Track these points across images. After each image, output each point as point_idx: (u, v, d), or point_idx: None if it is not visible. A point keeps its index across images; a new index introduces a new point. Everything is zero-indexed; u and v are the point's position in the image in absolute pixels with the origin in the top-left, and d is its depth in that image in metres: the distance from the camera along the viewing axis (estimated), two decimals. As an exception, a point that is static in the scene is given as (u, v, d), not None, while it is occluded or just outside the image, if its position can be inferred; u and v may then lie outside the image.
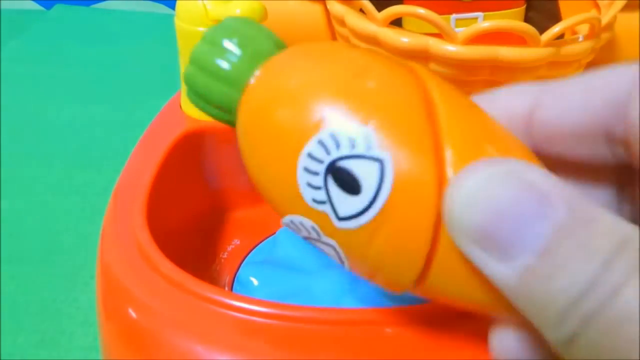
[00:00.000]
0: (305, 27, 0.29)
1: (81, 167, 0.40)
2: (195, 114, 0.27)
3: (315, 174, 0.13)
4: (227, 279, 0.25)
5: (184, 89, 0.27)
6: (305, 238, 0.14)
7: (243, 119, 0.15)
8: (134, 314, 0.19)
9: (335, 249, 0.14)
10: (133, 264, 0.20)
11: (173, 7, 0.26)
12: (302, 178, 0.13)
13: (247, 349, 0.17)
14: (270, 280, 0.23)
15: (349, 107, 0.13)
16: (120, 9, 0.67)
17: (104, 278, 0.21)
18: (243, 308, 0.17)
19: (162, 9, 0.66)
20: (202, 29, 0.24)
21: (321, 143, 0.13)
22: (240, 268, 0.25)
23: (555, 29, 0.22)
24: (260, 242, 0.26)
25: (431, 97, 0.13)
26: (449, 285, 0.13)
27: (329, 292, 0.23)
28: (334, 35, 0.29)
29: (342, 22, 0.26)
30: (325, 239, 0.13)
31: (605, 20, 0.23)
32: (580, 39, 0.23)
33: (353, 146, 0.12)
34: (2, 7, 0.66)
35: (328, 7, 0.27)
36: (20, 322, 0.29)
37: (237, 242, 0.27)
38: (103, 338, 0.20)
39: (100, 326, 0.20)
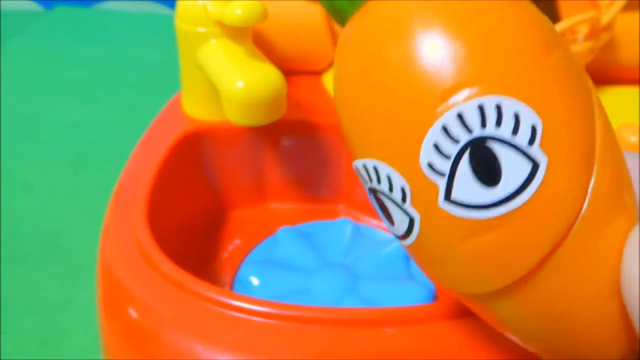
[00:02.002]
0: (305, 27, 0.29)
1: (81, 167, 0.40)
2: (195, 114, 0.27)
3: (455, 141, 0.11)
4: (227, 278, 0.25)
5: (184, 89, 0.27)
6: (373, 189, 0.13)
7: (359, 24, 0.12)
8: (134, 314, 0.19)
9: (411, 222, 0.12)
10: (133, 264, 0.20)
11: (173, 7, 0.26)
12: (433, 136, 0.11)
13: (247, 349, 0.17)
14: (270, 280, 0.23)
15: (531, 85, 0.11)
16: (120, 9, 0.67)
17: (104, 278, 0.21)
18: (243, 308, 0.17)
19: (162, 9, 0.66)
20: (202, 29, 0.24)
21: (481, 109, 0.11)
22: (240, 268, 0.25)
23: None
24: (260, 242, 0.26)
25: (592, 103, 0.12)
26: (537, 304, 0.11)
27: (329, 292, 0.23)
28: (334, 36, 0.29)
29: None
30: (408, 207, 0.12)
31: (605, 20, 0.23)
32: (580, 39, 0.23)
33: (515, 132, 0.11)
34: (2, 7, 0.66)
35: (328, 7, 0.27)
36: (20, 322, 0.29)
37: (237, 242, 0.27)
38: (103, 338, 0.20)
39: (101, 326, 0.20)
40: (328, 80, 0.30)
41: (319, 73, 0.30)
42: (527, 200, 0.11)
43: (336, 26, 0.27)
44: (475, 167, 0.11)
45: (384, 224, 0.13)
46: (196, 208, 0.27)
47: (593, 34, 0.23)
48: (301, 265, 0.24)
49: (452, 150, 0.11)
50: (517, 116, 0.11)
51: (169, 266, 0.19)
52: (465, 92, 0.11)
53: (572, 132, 0.11)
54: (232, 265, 0.25)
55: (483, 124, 0.11)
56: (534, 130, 0.11)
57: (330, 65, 0.30)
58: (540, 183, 0.11)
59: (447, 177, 0.11)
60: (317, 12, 0.28)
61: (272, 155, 0.28)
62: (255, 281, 0.23)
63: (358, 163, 0.13)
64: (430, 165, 0.11)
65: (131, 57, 0.55)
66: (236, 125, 0.23)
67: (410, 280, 0.24)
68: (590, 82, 0.12)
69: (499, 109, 0.10)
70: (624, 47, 0.27)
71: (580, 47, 0.23)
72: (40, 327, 0.29)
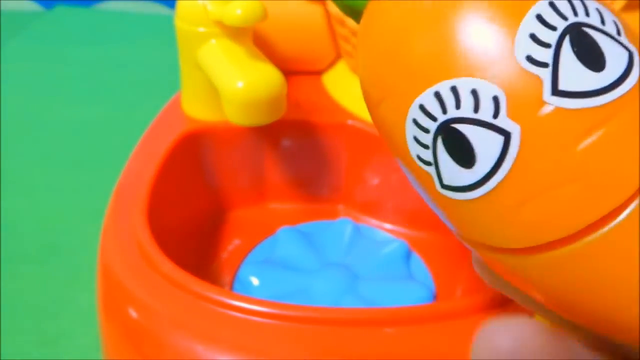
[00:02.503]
0: (305, 27, 0.29)
1: (81, 167, 0.40)
2: (195, 114, 0.27)
3: (552, 27, 0.11)
4: (227, 279, 0.25)
5: (184, 89, 0.27)
6: (450, 120, 0.12)
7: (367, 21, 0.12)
8: (134, 314, 0.19)
9: (506, 143, 0.11)
10: (133, 264, 0.20)
11: (173, 7, 0.26)
12: (528, 26, 0.11)
13: (247, 349, 0.17)
14: (270, 280, 0.23)
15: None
16: (120, 9, 0.67)
17: (104, 278, 0.21)
18: (243, 308, 0.17)
19: (162, 9, 0.66)
20: (202, 29, 0.24)
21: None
22: (240, 268, 0.25)
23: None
24: (260, 242, 0.26)
25: None
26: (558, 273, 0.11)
27: (329, 292, 0.23)
28: (334, 36, 0.29)
29: (342, 23, 0.26)
30: (503, 120, 0.11)
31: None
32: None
33: (603, 22, 0.11)
34: (2, 7, 0.66)
35: (328, 7, 0.27)
36: (20, 322, 0.29)
37: (237, 242, 0.27)
38: (103, 338, 0.20)
39: (101, 326, 0.20)
40: (328, 80, 0.30)
41: (319, 73, 0.30)
42: (633, 87, 0.10)
43: (336, 26, 0.27)
44: (579, 52, 0.10)
45: (443, 178, 0.12)
46: (196, 208, 0.27)
47: (593, 34, 0.23)
48: (301, 265, 0.24)
49: (552, 37, 0.10)
50: (600, 11, 0.11)
51: (169, 266, 0.19)
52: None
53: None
54: (232, 265, 0.25)
55: (575, 12, 0.11)
56: (616, 25, 0.11)
57: (331, 65, 0.30)
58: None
59: (551, 67, 0.10)
60: (317, 12, 0.28)
61: (272, 155, 0.28)
62: (255, 281, 0.23)
63: (426, 96, 0.11)
64: (530, 58, 0.10)
65: (131, 57, 0.55)
66: (236, 125, 0.23)
67: (410, 280, 0.24)
68: None
69: (583, 1, 0.11)
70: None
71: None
72: (40, 327, 0.29)
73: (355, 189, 0.28)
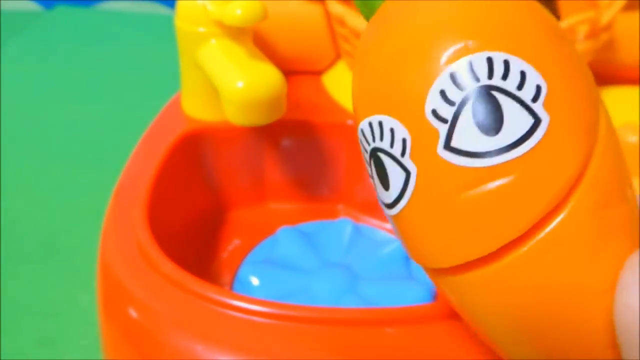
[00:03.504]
0: (305, 27, 0.29)
1: (81, 167, 0.40)
2: (195, 114, 0.27)
3: (461, 88, 0.11)
4: (227, 278, 0.25)
5: (184, 89, 0.27)
6: (374, 150, 0.13)
7: None
8: (134, 314, 0.19)
9: (407, 178, 0.12)
10: (133, 264, 0.20)
11: (173, 7, 0.26)
12: (440, 83, 0.11)
13: (247, 349, 0.17)
14: (270, 280, 0.23)
15: (540, 52, 0.11)
16: (120, 9, 0.67)
17: (104, 278, 0.21)
18: (243, 308, 0.17)
19: (162, 9, 0.66)
20: (202, 29, 0.24)
21: (489, 61, 0.11)
22: (240, 268, 0.25)
23: (555, 29, 0.22)
24: (260, 242, 0.26)
25: (598, 98, 0.12)
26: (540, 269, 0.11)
27: (329, 292, 0.23)
28: (334, 36, 0.29)
29: (342, 23, 0.26)
30: (407, 160, 0.12)
31: (605, 20, 0.23)
32: (580, 39, 0.23)
33: (520, 88, 0.11)
34: (2, 7, 0.65)
35: (328, 7, 0.27)
36: (20, 322, 0.29)
37: (237, 242, 0.27)
38: (103, 338, 0.20)
39: (100, 326, 0.20)
40: (328, 80, 0.30)
41: (319, 73, 0.30)
42: (527, 152, 0.11)
43: (336, 26, 0.27)
44: (478, 114, 0.11)
45: (377, 193, 0.13)
46: (196, 208, 0.27)
47: (593, 34, 0.23)
48: (301, 265, 0.24)
49: (457, 97, 0.11)
50: (524, 73, 0.11)
51: (169, 266, 0.19)
52: (475, 45, 0.11)
53: (576, 106, 0.11)
54: (232, 265, 0.25)
55: (490, 75, 0.11)
56: (538, 89, 0.11)
57: (331, 65, 0.30)
58: (541, 138, 0.11)
59: (449, 123, 0.11)
60: (317, 12, 0.28)
61: (272, 155, 0.28)
62: (255, 281, 0.23)
63: (364, 123, 0.13)
64: (434, 112, 0.11)
65: (131, 57, 0.55)
66: (236, 125, 0.23)
67: (410, 280, 0.24)
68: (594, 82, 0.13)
69: (506, 63, 0.11)
70: (624, 47, 0.27)
71: (580, 47, 0.23)
72: (40, 327, 0.29)
73: (355, 189, 0.28)
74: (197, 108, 0.27)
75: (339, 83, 0.29)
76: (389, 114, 0.12)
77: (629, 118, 0.25)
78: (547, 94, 0.11)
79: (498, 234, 0.11)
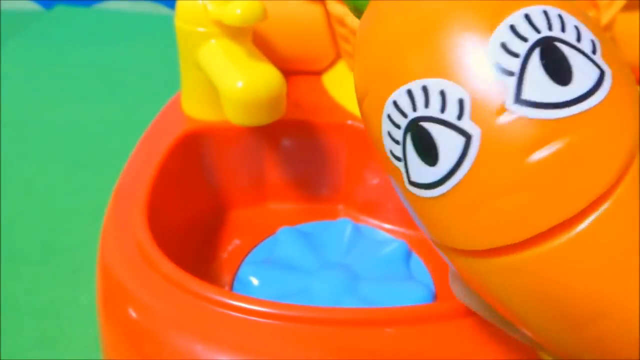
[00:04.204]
0: (305, 27, 0.29)
1: (81, 167, 0.40)
2: (195, 114, 0.27)
3: (523, 39, 0.11)
4: (227, 278, 0.25)
5: (184, 89, 0.27)
6: (418, 118, 0.12)
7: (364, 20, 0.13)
8: (134, 314, 0.19)
9: (467, 144, 0.11)
10: (133, 264, 0.20)
11: (173, 7, 0.26)
12: (500, 35, 0.11)
13: (247, 349, 0.17)
14: (270, 280, 0.23)
15: (582, 13, 0.11)
16: (120, 9, 0.67)
17: (104, 278, 0.21)
18: (243, 308, 0.17)
19: (162, 9, 0.66)
20: (202, 29, 0.24)
21: (545, 13, 0.11)
22: (240, 268, 0.25)
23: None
24: (260, 242, 0.26)
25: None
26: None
27: (329, 292, 0.23)
28: (334, 36, 0.29)
29: (342, 22, 0.26)
30: (466, 122, 0.11)
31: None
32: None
33: (579, 40, 0.11)
34: (2, 7, 0.66)
35: (328, 7, 0.27)
36: (20, 322, 0.29)
37: (237, 242, 0.27)
38: (103, 338, 0.20)
39: (100, 326, 0.20)
40: (328, 80, 0.30)
41: (319, 73, 0.30)
42: (598, 104, 0.10)
43: (336, 26, 0.27)
44: (547, 65, 0.11)
45: (409, 175, 0.12)
46: (196, 208, 0.27)
47: (593, 33, 0.23)
48: (301, 265, 0.24)
49: (522, 48, 0.11)
50: (578, 28, 0.11)
51: (169, 266, 0.19)
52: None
53: (625, 72, 0.11)
54: (232, 265, 0.25)
55: (550, 26, 0.11)
56: (593, 43, 0.11)
57: (331, 65, 0.30)
58: (609, 90, 0.11)
59: (517, 76, 0.11)
60: (317, 12, 0.28)
61: (272, 155, 0.28)
62: (255, 281, 0.23)
63: (399, 92, 0.12)
64: (498, 66, 0.11)
65: (131, 57, 0.55)
66: (236, 125, 0.23)
67: (410, 280, 0.24)
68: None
69: (561, 17, 0.11)
70: (624, 47, 0.27)
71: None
72: (40, 327, 0.29)
73: (355, 189, 0.28)
74: (197, 108, 0.27)
75: (339, 83, 0.29)
76: (437, 76, 0.11)
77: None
78: (602, 50, 0.11)
79: (568, 202, 0.10)
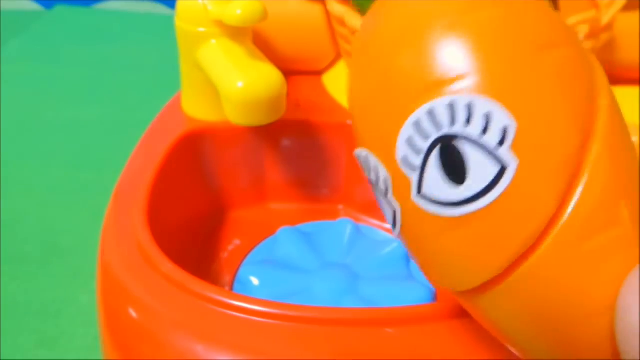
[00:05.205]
0: (305, 27, 0.29)
1: (81, 167, 0.40)
2: (195, 114, 0.27)
3: (425, 137, 0.11)
4: (227, 278, 0.25)
5: (184, 89, 0.27)
6: (370, 181, 0.13)
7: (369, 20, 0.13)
8: (134, 314, 0.19)
9: (394, 213, 0.12)
10: (133, 264, 0.20)
11: (173, 7, 0.26)
12: (407, 131, 0.11)
13: (247, 349, 0.17)
14: (270, 280, 0.23)
15: (509, 86, 0.10)
16: (120, 9, 0.67)
17: (104, 278, 0.21)
18: (243, 308, 0.17)
19: (162, 9, 0.66)
20: (202, 29, 0.24)
21: (451, 107, 0.11)
22: (240, 268, 0.25)
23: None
24: (260, 242, 0.26)
25: (596, 109, 0.11)
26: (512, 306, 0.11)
27: (329, 292, 0.23)
28: (334, 36, 0.29)
29: (342, 22, 0.26)
30: (391, 199, 0.12)
31: (605, 20, 0.23)
32: (580, 39, 0.23)
33: (484, 132, 0.10)
34: (2, 7, 0.66)
35: (328, 7, 0.27)
36: (20, 322, 0.29)
37: (237, 242, 0.27)
38: (103, 338, 0.20)
39: (100, 326, 0.20)
40: (328, 80, 0.30)
41: (319, 73, 0.30)
42: (493, 202, 0.11)
43: (336, 26, 0.27)
44: (444, 164, 0.11)
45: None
46: (196, 208, 0.27)
47: (593, 34, 0.23)
48: (301, 265, 0.24)
49: (423, 145, 0.11)
50: (488, 116, 0.10)
51: (169, 266, 0.19)
52: (437, 90, 0.11)
53: (553, 137, 0.11)
54: (232, 265, 0.25)
55: (452, 121, 0.11)
56: (505, 131, 0.10)
57: (331, 65, 0.30)
58: (508, 185, 0.10)
59: (418, 171, 0.11)
60: (317, 12, 0.28)
61: (272, 155, 0.28)
62: (255, 281, 0.23)
63: (357, 152, 0.13)
64: (405, 159, 0.11)
65: (131, 57, 0.55)
66: (236, 125, 0.23)
67: (410, 280, 0.24)
68: (600, 82, 0.12)
69: (469, 107, 0.10)
70: (624, 47, 0.27)
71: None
72: (40, 327, 0.29)
73: (355, 189, 0.28)
74: (197, 108, 0.27)
75: (339, 83, 0.29)
76: (373, 152, 0.12)
77: (629, 118, 0.25)
78: (517, 134, 0.10)
79: (474, 274, 0.11)
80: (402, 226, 0.12)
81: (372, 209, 0.28)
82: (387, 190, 0.12)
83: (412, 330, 0.17)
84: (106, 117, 0.46)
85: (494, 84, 0.11)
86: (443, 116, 0.11)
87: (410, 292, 0.23)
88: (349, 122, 0.27)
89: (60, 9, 0.65)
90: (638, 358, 0.10)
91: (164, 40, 0.43)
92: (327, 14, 0.28)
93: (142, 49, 0.57)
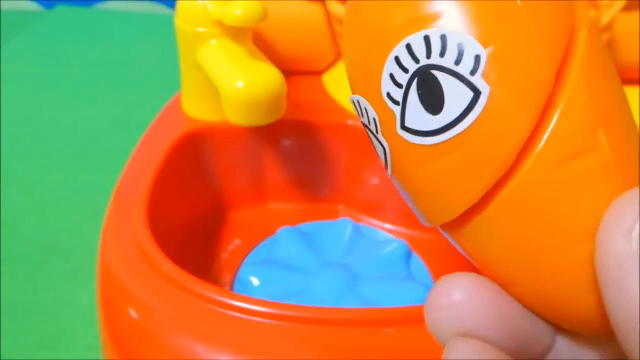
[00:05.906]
0: (305, 27, 0.29)
1: (81, 167, 0.40)
2: (195, 114, 0.27)
3: (405, 70, 0.12)
4: (227, 278, 0.25)
5: (184, 89, 0.27)
6: (364, 125, 0.13)
7: None
8: (134, 314, 0.19)
9: (385, 151, 0.13)
10: (133, 264, 0.20)
11: (173, 7, 0.26)
12: (388, 67, 0.12)
13: (247, 349, 0.17)
14: (270, 280, 0.23)
15: (476, 14, 0.11)
16: (120, 9, 0.67)
17: (104, 278, 0.21)
18: (243, 308, 0.17)
19: (162, 9, 0.66)
20: (202, 29, 0.24)
21: (427, 40, 0.11)
22: (240, 268, 0.25)
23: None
24: (260, 242, 0.26)
25: (574, 41, 0.12)
26: (501, 231, 0.12)
27: (329, 292, 0.23)
28: (334, 36, 0.29)
29: (342, 22, 0.26)
30: (380, 137, 0.13)
31: (605, 20, 0.23)
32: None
33: (458, 62, 0.11)
34: (2, 7, 0.66)
35: (328, 7, 0.27)
36: (20, 322, 0.29)
37: (237, 242, 0.27)
38: (103, 338, 0.20)
39: (100, 326, 0.20)
40: (328, 80, 0.30)
41: (319, 73, 0.30)
42: (468, 127, 0.11)
43: (336, 26, 0.27)
44: (422, 96, 0.11)
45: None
46: (196, 208, 0.27)
47: (593, 34, 0.23)
48: (301, 265, 0.24)
49: (404, 79, 0.12)
50: (461, 45, 0.11)
51: (169, 266, 0.19)
52: (415, 25, 0.12)
53: (526, 64, 0.11)
54: (232, 265, 0.25)
55: (428, 53, 0.11)
56: (477, 59, 0.11)
57: (331, 65, 0.30)
58: (482, 111, 0.11)
59: (400, 105, 0.12)
60: (317, 12, 0.28)
61: (272, 155, 0.28)
62: (255, 281, 0.23)
63: (351, 97, 0.13)
64: (389, 95, 0.12)
65: (131, 57, 0.55)
66: (236, 125, 0.23)
67: (410, 280, 0.24)
68: (581, 18, 0.12)
69: (443, 39, 0.11)
70: (624, 47, 0.27)
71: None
72: (40, 327, 0.29)
73: (355, 189, 0.28)
74: (197, 108, 0.27)
75: (339, 83, 0.29)
76: (361, 95, 0.12)
77: (629, 118, 0.25)
78: (488, 61, 0.11)
79: (454, 203, 0.12)
80: (391, 164, 0.13)
81: (372, 209, 0.28)
82: (377, 129, 0.12)
83: (412, 330, 0.17)
84: (106, 117, 0.46)
85: (467, 14, 0.11)
86: (420, 49, 0.11)
87: (410, 292, 0.23)
88: (349, 122, 0.27)
89: (60, 9, 0.65)
90: (615, 286, 0.10)
91: (164, 40, 0.43)
92: (327, 14, 0.28)
93: (142, 49, 0.57)
